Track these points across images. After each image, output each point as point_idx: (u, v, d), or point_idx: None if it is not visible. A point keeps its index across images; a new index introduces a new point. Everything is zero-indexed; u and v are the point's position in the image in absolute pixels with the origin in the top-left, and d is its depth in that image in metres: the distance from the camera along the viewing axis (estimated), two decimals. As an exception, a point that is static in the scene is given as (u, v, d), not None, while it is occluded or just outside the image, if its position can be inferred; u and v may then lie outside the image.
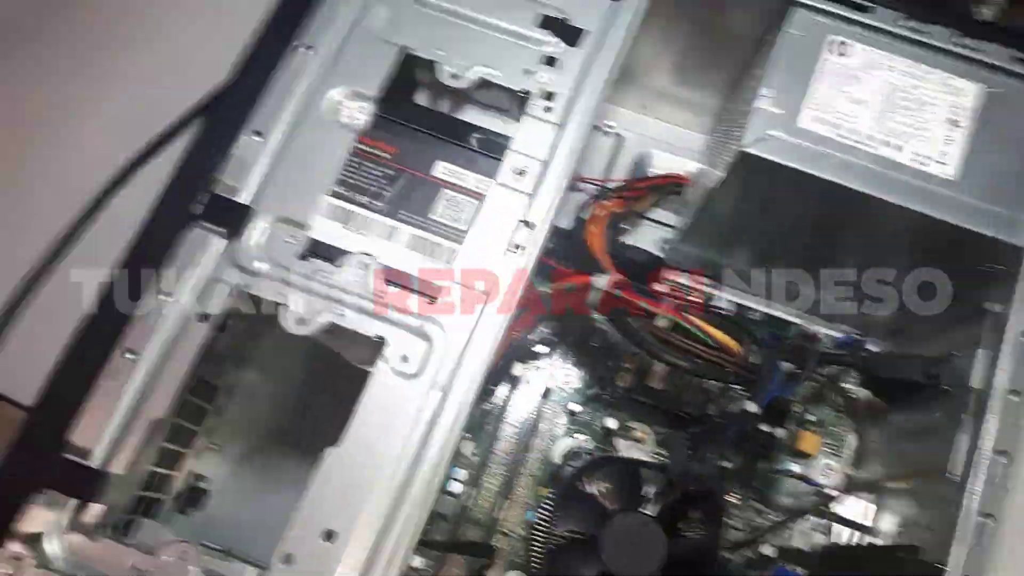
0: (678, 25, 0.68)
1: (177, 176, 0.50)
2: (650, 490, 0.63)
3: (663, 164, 0.79)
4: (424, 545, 0.62)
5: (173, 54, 0.85)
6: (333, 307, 0.51)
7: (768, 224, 0.65)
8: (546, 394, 0.72)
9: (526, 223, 0.53)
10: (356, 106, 0.55)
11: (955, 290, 0.59)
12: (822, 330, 0.73)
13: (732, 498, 0.68)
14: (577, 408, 0.72)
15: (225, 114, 0.53)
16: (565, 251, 0.68)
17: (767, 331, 0.70)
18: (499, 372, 0.70)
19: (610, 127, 0.81)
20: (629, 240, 0.77)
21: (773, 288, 0.74)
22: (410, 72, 0.59)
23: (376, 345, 0.50)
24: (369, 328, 0.51)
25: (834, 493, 0.68)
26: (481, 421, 0.70)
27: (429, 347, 0.50)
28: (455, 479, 0.68)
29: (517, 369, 0.72)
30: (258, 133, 0.53)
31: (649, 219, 0.79)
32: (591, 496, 0.62)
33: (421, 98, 0.61)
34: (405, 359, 0.50)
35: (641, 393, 0.72)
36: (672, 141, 0.81)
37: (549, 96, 0.56)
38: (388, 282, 0.52)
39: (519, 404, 0.72)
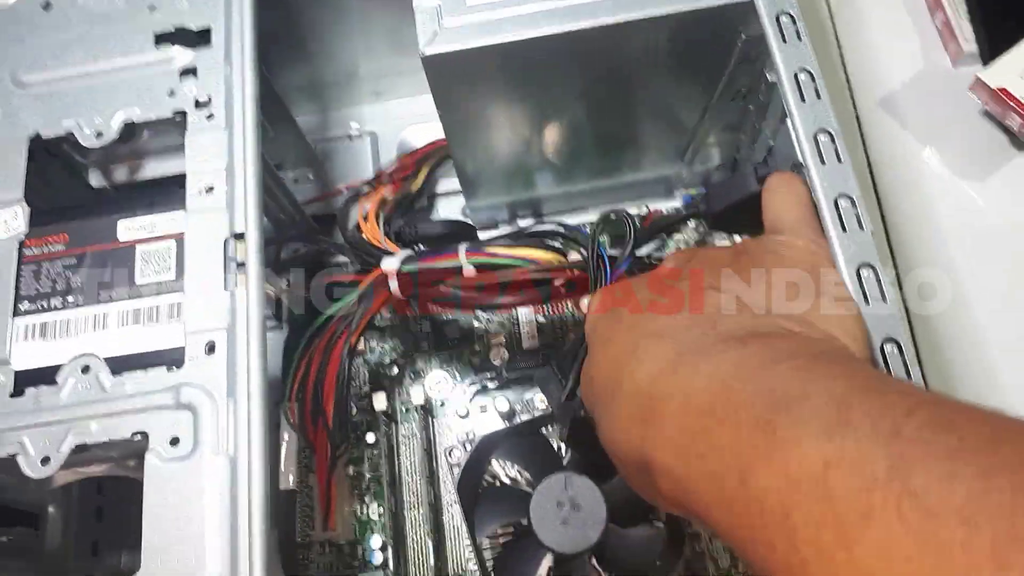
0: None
1: None
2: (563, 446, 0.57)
3: (426, 137, 0.75)
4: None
5: None
6: (73, 428, 0.43)
7: (521, 127, 0.60)
8: (428, 411, 0.65)
9: (237, 237, 0.47)
10: (8, 214, 0.48)
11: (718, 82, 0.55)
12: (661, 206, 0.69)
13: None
14: (463, 410, 0.65)
15: None
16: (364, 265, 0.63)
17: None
18: (346, 422, 0.61)
19: (356, 129, 0.77)
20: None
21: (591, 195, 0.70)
22: (67, 159, 0.52)
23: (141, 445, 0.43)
24: (122, 430, 0.43)
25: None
26: (372, 477, 0.63)
27: (194, 416, 0.43)
28: (374, 549, 0.61)
29: (379, 402, 0.65)
30: (-97, 296, 0.46)
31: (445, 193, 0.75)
32: (508, 486, 0.55)
33: (94, 179, 0.54)
34: (175, 441, 0.43)
35: (521, 360, 0.66)
36: (422, 112, 0.76)
37: (204, 104, 0.50)
38: (119, 372, 0.45)
39: (405, 436, 0.64)
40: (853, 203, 0.41)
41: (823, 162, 0.43)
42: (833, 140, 0.43)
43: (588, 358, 0.43)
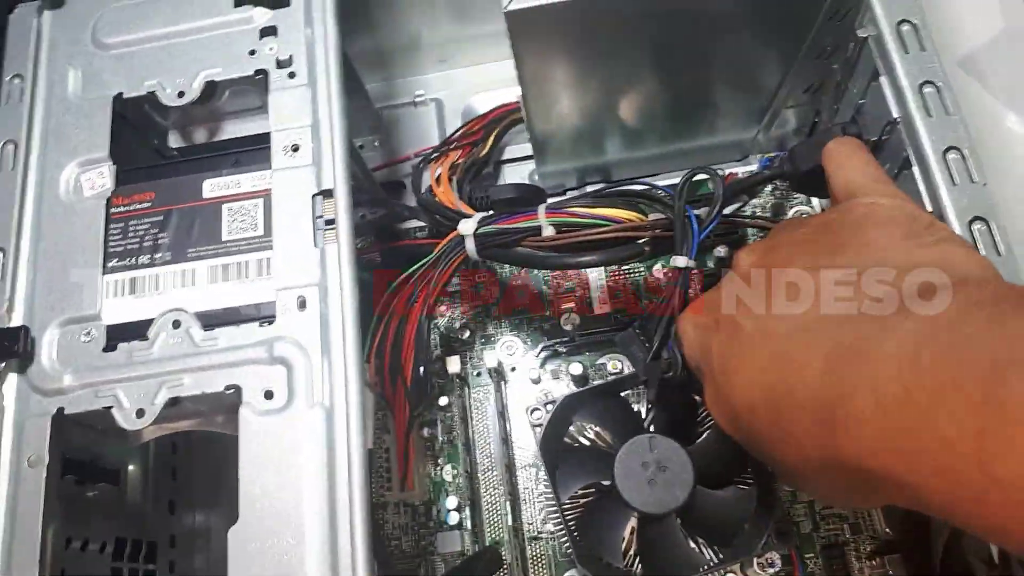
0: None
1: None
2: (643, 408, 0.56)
3: (492, 104, 0.74)
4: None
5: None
6: (166, 381, 0.44)
7: (597, 87, 0.59)
8: (500, 374, 0.65)
9: (324, 194, 0.46)
10: (95, 173, 0.49)
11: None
12: (737, 169, 0.68)
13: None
14: (535, 374, 0.65)
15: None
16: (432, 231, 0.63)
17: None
18: (422, 383, 0.61)
19: (421, 96, 0.76)
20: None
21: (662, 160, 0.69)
22: (146, 120, 0.53)
23: (234, 398, 0.43)
24: (214, 383, 0.43)
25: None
26: (446, 439, 0.63)
27: (288, 370, 0.43)
28: (450, 510, 0.61)
29: (453, 365, 0.64)
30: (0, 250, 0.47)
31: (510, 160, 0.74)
32: (589, 447, 0.54)
33: (173, 140, 0.55)
34: (269, 395, 0.43)
35: (592, 325, 0.66)
36: (487, 80, 0.75)
37: (285, 63, 0.50)
38: (210, 327, 0.45)
39: (477, 399, 0.64)
40: (963, 155, 0.40)
41: (929, 115, 0.41)
42: (940, 92, 0.42)
43: (712, 384, 0.40)
